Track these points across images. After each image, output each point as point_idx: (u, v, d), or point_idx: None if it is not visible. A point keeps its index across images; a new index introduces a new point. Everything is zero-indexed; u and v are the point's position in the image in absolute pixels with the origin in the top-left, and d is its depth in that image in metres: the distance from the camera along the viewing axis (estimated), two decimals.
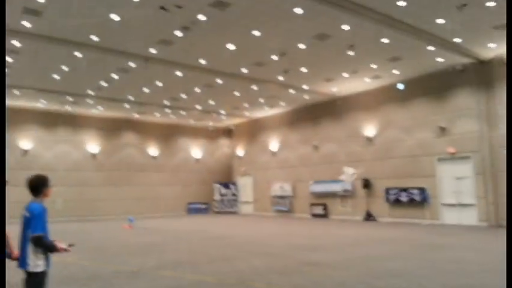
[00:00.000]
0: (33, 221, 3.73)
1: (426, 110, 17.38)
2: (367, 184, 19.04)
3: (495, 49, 14.19)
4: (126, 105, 22.02)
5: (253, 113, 25.04)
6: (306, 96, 20.65)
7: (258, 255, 9.52)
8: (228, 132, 29.42)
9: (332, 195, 20.95)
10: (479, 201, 15.40)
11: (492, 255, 8.85)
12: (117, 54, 14.34)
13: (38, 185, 3.91)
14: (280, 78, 17.25)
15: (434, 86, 17.01)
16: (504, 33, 12.37)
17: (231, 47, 13.60)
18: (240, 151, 28.27)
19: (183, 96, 20.07)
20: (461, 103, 16.19)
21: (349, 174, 19.26)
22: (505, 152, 14.59)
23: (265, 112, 24.69)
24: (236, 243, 12.01)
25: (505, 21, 11.69)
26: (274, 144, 25.31)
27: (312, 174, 22.36)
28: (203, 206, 27.19)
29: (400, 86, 17.63)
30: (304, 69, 16.08)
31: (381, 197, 18.62)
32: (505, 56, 14.36)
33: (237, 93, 19.70)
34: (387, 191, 18.30)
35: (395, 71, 16.63)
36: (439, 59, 15.16)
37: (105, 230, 16.95)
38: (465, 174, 15.93)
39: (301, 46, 13.55)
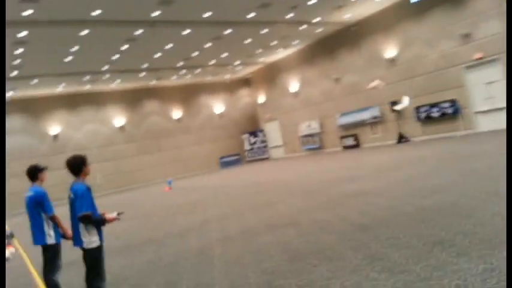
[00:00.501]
0: (78, 201, 3.91)
1: (446, 19, 16.57)
2: (395, 106, 18.72)
3: None
4: (143, 74, 22.02)
5: (268, 58, 24.58)
6: (319, 29, 20.00)
7: (298, 195, 9.75)
8: (246, 82, 29.21)
9: (361, 124, 20.84)
10: None
11: None
12: (121, 24, 14.18)
13: (76, 165, 4.05)
14: (290, 15, 16.66)
15: None
16: None
17: None
18: (261, 98, 28.15)
19: (195, 54, 19.82)
20: (483, 5, 15.32)
21: (406, 103, 18.26)
22: None
23: (280, 54, 24.19)
24: (274, 187, 12.29)
25: None
26: (294, 85, 25.02)
27: (337, 107, 22.16)
28: (235, 158, 27.70)
29: None
30: (312, 1, 15.41)
31: (412, 116, 18.39)
32: None
33: (248, 41, 19.27)
34: (417, 109, 18.02)
35: None
36: None
37: (147, 197, 17.65)
38: (495, 78, 15.42)
39: None
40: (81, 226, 3.93)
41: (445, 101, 16.98)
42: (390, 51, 18.99)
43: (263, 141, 27.88)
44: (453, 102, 16.72)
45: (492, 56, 15.27)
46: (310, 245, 5.31)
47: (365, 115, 20.48)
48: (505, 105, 15.28)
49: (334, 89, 22.26)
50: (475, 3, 15.55)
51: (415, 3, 17.00)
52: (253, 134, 28.07)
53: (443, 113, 17.09)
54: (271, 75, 26.64)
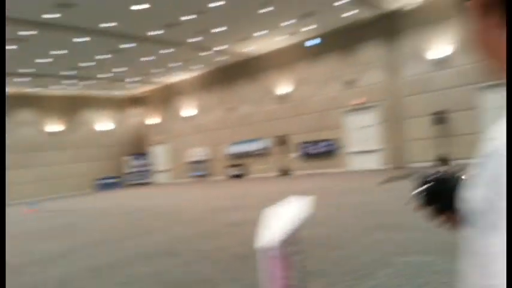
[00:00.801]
0: None
1: (336, 64, 18.09)
2: (282, 141, 19.65)
3: (399, 0, 14.99)
4: (22, 79, 19.80)
5: (166, 79, 24.10)
6: (222, 58, 20.29)
7: (179, 223, 9.38)
8: (139, 101, 28.09)
9: (249, 154, 21.35)
10: (383, 147, 16.76)
11: (395, 196, 9.73)
12: (8, 22, 12.62)
13: None
14: (194, 39, 16.63)
15: (343, 41, 17.67)
16: None
17: (139, 6, 12.66)
18: (154, 119, 27.28)
19: (88, 64, 18.53)
20: (368, 55, 17.06)
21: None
22: (408, 99, 15.90)
23: (179, 76, 23.89)
24: (155, 214, 11.69)
25: None
26: (190, 109, 24.80)
27: (230, 137, 22.45)
28: (116, 180, 25.70)
29: (313, 42, 18.16)
30: (219, 29, 15.61)
31: (295, 152, 19.41)
32: (405, 6, 15.32)
33: (148, 58, 18.68)
34: (301, 145, 19.14)
35: (308, 27, 16.92)
36: (349, 13, 15.60)
37: (7, 217, 15.45)
38: (371, 123, 17.14)
39: (216, 4, 13.06)
40: None
41: (325, 140, 18.34)
42: (283, 88, 20.02)
43: (148, 164, 26.80)
44: (332, 142, 18.13)
45: (371, 102, 16.98)
46: (188, 276, 5.01)
47: (254, 146, 21.08)
48: (375, 148, 17.00)
49: (229, 118, 22.59)
50: (362, 53, 17.23)
51: (308, 47, 18.36)
52: (139, 156, 26.83)
53: (323, 151, 18.42)
54: (167, 97, 26.07)
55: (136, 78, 22.99)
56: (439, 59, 15.07)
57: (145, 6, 12.62)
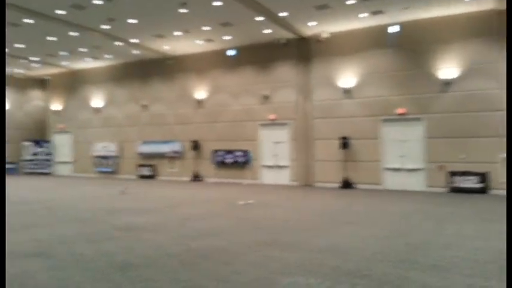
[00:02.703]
0: None
1: (252, 78, 18.29)
2: (196, 146, 19.30)
3: (314, 27, 15.63)
4: None
5: (73, 64, 22.34)
6: (135, 51, 19.35)
7: (67, 221, 8.66)
8: (41, 83, 25.72)
9: (161, 156, 20.60)
10: (292, 164, 17.25)
11: (299, 213, 10.01)
12: None
13: None
14: (105, 26, 15.59)
15: (260, 56, 17.93)
16: (324, 12, 13.73)
17: None
18: (57, 105, 25.13)
19: None
20: (282, 74, 17.52)
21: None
22: (315, 121, 16.59)
23: (88, 64, 22.30)
24: (43, 208, 10.69)
25: (326, 2, 12.94)
26: (98, 100, 23.27)
27: (139, 135, 21.48)
28: (11, 166, 23.47)
29: (232, 52, 18.20)
30: (132, 21, 14.83)
31: (208, 158, 19.17)
32: (321, 34, 16.06)
33: (51, 38, 17.11)
34: (214, 153, 18.92)
35: (226, 37, 16.86)
36: (266, 31, 15.94)
37: None
38: (282, 139, 17.55)
39: None
40: None
41: (239, 150, 18.34)
42: (200, 93, 19.69)
43: (48, 154, 24.61)
44: (245, 153, 18.19)
45: (283, 119, 17.40)
46: (55, 282, 4.49)
47: (166, 148, 20.37)
48: (285, 164, 17.44)
49: (140, 115, 21.60)
50: (277, 71, 17.57)
51: (230, 56, 18.34)
52: (38, 143, 24.53)
53: (236, 161, 18.39)
54: (73, 83, 24.17)
55: (40, 58, 20.99)
56: (346, 88, 15.98)
57: None
